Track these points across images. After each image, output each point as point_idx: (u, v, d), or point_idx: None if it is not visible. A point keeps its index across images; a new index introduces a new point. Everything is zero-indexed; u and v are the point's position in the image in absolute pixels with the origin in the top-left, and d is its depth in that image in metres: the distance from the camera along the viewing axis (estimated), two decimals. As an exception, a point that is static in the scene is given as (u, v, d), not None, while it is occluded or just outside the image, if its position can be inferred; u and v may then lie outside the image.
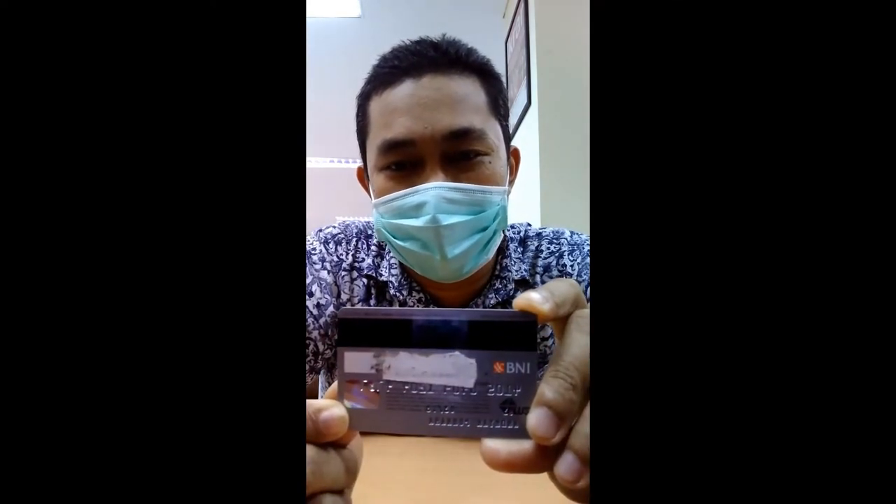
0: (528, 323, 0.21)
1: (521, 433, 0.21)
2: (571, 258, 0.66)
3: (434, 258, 0.55)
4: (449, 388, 0.22)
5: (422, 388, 0.22)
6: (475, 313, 0.22)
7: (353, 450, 0.23)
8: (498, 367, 0.21)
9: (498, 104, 0.60)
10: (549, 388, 0.20)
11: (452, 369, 0.22)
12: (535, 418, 0.20)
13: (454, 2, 2.56)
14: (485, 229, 0.56)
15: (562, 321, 0.22)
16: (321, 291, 0.62)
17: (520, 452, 0.20)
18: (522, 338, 0.21)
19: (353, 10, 2.61)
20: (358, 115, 0.62)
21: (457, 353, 0.22)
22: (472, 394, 0.22)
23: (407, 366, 0.22)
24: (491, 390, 0.21)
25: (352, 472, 0.23)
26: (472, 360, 0.21)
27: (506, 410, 0.21)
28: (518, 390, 0.21)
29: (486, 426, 0.21)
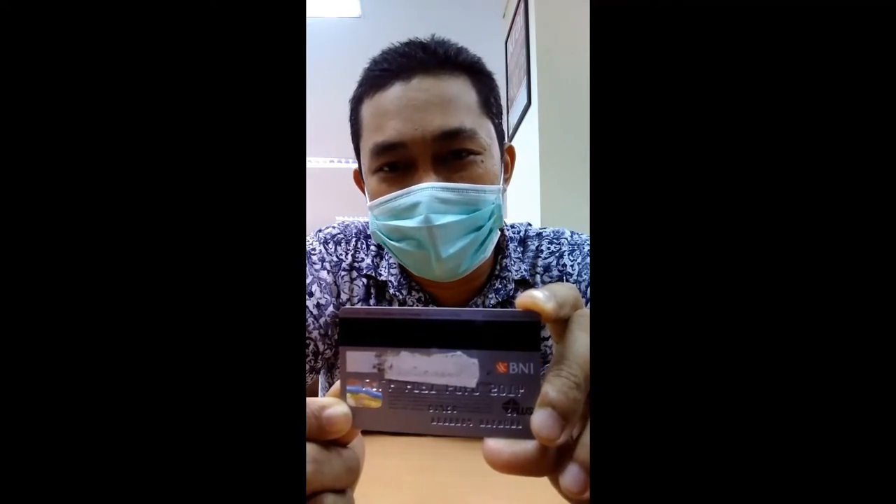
0: (532, 323, 0.21)
1: (525, 433, 0.20)
2: (571, 258, 0.66)
3: (429, 258, 0.55)
4: (451, 388, 0.22)
5: (424, 387, 0.22)
6: (478, 313, 0.22)
7: (354, 449, 0.23)
8: (501, 368, 0.21)
9: (490, 103, 0.60)
10: (553, 388, 0.20)
11: (454, 369, 0.21)
12: (540, 419, 0.20)
13: (454, 2, 2.56)
14: (479, 228, 0.56)
15: (561, 323, 0.22)
16: (321, 291, 0.62)
17: (522, 453, 0.20)
18: (526, 338, 0.21)
19: (353, 10, 2.61)
20: (351, 119, 0.62)
21: (459, 353, 0.21)
22: (475, 394, 0.21)
23: (409, 365, 0.22)
24: (494, 390, 0.21)
25: (353, 472, 0.23)
26: (475, 360, 0.21)
27: (509, 411, 0.21)
28: (521, 391, 0.21)
29: (489, 426, 0.21)
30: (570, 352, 0.21)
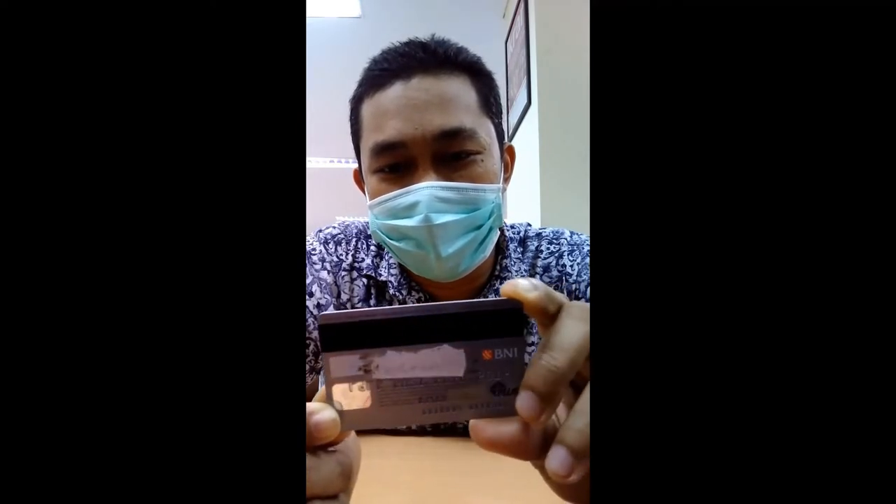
0: (513, 310, 0.22)
1: (510, 412, 0.21)
2: (571, 258, 0.66)
3: (429, 257, 0.55)
4: (439, 380, 0.22)
5: (412, 381, 0.22)
6: (459, 305, 0.22)
7: (347, 453, 0.23)
8: (486, 355, 0.22)
9: (489, 102, 0.60)
10: (533, 373, 0.21)
11: (441, 361, 0.22)
12: (521, 400, 0.21)
13: (454, 2, 2.56)
14: (479, 227, 0.56)
15: (546, 316, 0.23)
16: (321, 292, 0.62)
17: (506, 431, 0.21)
18: (509, 324, 0.22)
19: (353, 10, 2.61)
20: (351, 119, 0.62)
21: (445, 346, 0.22)
22: (463, 380, 0.22)
23: (395, 364, 0.22)
24: (481, 376, 0.22)
25: (345, 476, 0.23)
26: (461, 351, 0.22)
27: (496, 393, 0.22)
28: (507, 373, 0.22)
29: (478, 409, 0.22)
30: (555, 338, 0.21)
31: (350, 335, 0.22)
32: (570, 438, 0.20)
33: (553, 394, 0.21)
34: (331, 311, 0.61)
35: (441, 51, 0.57)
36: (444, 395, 0.22)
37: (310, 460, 0.21)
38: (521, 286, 0.22)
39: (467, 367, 0.22)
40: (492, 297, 0.63)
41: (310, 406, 0.22)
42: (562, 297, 0.23)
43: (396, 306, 0.23)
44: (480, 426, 0.22)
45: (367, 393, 0.22)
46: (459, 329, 0.22)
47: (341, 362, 0.22)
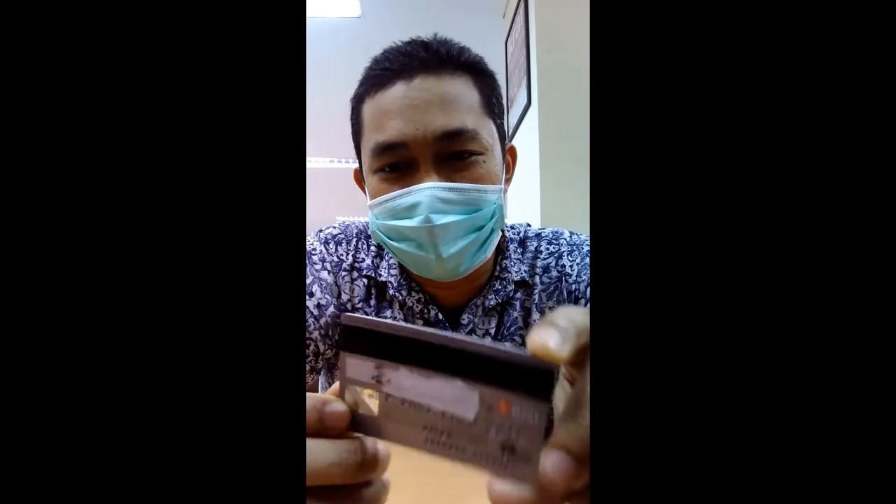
0: (545, 371, 0.19)
1: (519, 479, 0.19)
2: (571, 258, 0.66)
3: (429, 258, 0.55)
4: (448, 415, 0.21)
5: (421, 406, 0.21)
6: (487, 347, 0.20)
7: (366, 441, 0.22)
8: (502, 406, 0.20)
9: (491, 103, 0.60)
10: (569, 432, 0.18)
11: (451, 397, 0.20)
12: (553, 462, 0.18)
13: (454, 2, 2.56)
14: (481, 228, 0.56)
15: (577, 353, 0.20)
16: (321, 292, 0.62)
17: (530, 496, 0.19)
18: (536, 385, 0.19)
19: (353, 10, 2.61)
20: (352, 118, 0.62)
21: (459, 381, 0.20)
22: (472, 425, 0.20)
23: (407, 383, 0.21)
24: (493, 431, 0.20)
25: (370, 465, 0.22)
26: (475, 393, 0.20)
27: (504, 453, 0.20)
28: (521, 438, 0.20)
29: (483, 461, 0.20)
30: (589, 398, 0.19)
31: (369, 342, 0.21)
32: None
33: (588, 460, 0.18)
34: (332, 310, 0.61)
35: (443, 50, 0.57)
36: (449, 431, 0.21)
37: (323, 445, 0.21)
38: (552, 342, 0.19)
39: (479, 413, 0.20)
40: (491, 299, 0.63)
41: (324, 396, 0.22)
42: (584, 324, 0.21)
43: (422, 327, 0.21)
44: (504, 492, 0.19)
45: (376, 402, 0.22)
46: (479, 370, 0.20)
47: (357, 365, 0.22)
